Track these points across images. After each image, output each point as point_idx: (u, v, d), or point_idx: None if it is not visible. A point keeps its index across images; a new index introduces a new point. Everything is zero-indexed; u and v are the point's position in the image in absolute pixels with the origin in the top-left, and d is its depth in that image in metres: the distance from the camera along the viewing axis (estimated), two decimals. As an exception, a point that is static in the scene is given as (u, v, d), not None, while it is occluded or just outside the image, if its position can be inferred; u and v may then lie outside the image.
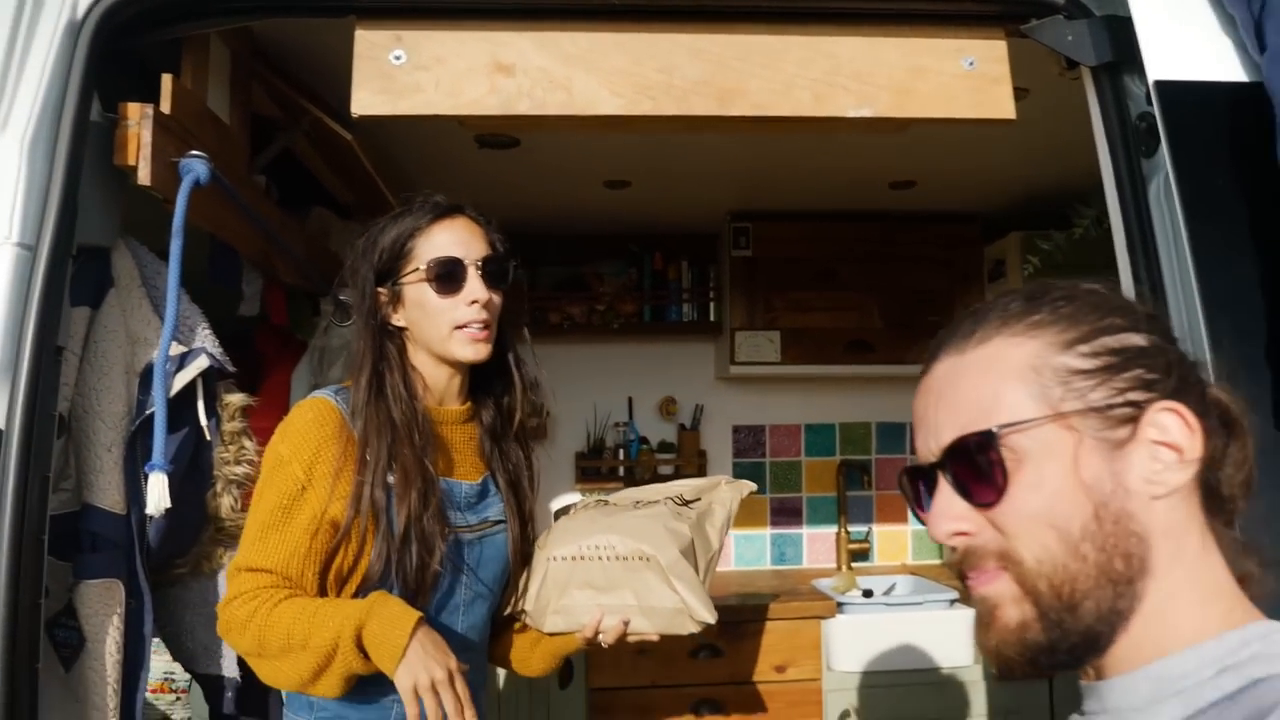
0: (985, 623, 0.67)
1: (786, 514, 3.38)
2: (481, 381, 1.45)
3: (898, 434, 3.43)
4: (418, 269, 1.34)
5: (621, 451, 3.25)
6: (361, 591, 1.27)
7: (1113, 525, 0.62)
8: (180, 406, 1.33)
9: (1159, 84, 1.19)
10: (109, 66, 1.30)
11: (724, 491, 1.56)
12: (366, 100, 1.38)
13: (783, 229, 3.04)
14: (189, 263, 1.39)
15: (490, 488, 1.43)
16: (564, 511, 1.57)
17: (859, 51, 1.40)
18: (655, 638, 1.41)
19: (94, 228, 1.32)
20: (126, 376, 1.33)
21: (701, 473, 3.30)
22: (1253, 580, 0.66)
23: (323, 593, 1.28)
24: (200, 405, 1.37)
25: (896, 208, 3.01)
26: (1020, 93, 1.98)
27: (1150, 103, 1.23)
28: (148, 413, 1.28)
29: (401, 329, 1.38)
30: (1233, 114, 1.18)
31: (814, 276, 3.04)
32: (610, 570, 1.40)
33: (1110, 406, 0.64)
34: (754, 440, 3.39)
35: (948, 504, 0.67)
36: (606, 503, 1.56)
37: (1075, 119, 1.46)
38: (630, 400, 3.33)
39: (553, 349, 3.28)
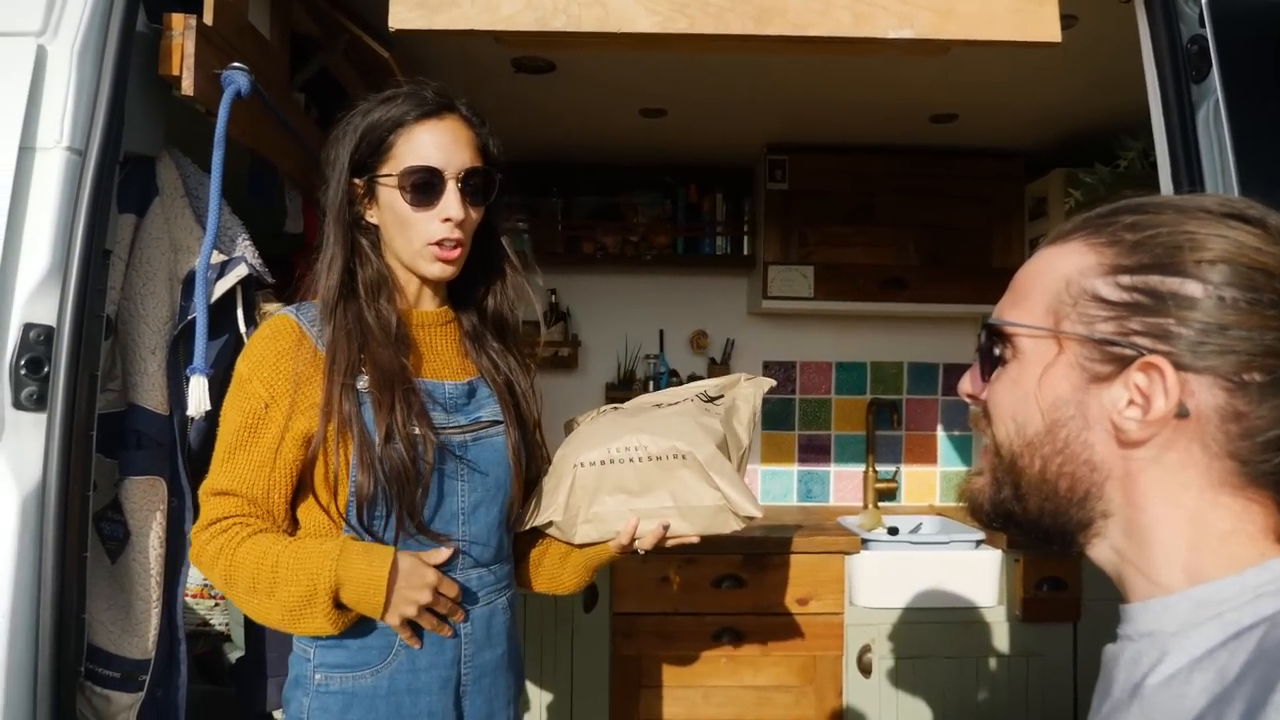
0: (968, 476, 0.77)
1: (815, 451, 3.40)
2: (463, 284, 1.37)
3: (929, 374, 3.42)
4: (393, 174, 1.25)
5: (651, 384, 3.27)
6: (354, 507, 1.22)
7: (1062, 445, 0.66)
8: (220, 313, 1.37)
9: (1213, 2, 1.16)
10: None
11: (746, 388, 1.50)
12: (403, 14, 1.38)
13: (820, 162, 3.00)
14: (230, 180, 1.41)
15: (480, 389, 1.35)
16: (572, 422, 1.51)
17: (901, -31, 1.37)
18: (696, 539, 1.35)
19: (140, 137, 1.35)
20: (170, 283, 1.36)
21: (731, 408, 3.31)
22: None
23: (321, 511, 1.25)
24: (240, 313, 1.40)
25: (937, 142, 2.96)
26: (1068, 20, 1.93)
27: (1203, 24, 1.20)
28: (190, 318, 1.31)
29: (374, 226, 1.31)
30: (1288, 36, 1.15)
31: (850, 211, 3.01)
32: (643, 471, 1.32)
33: (1109, 342, 0.64)
34: (784, 376, 3.39)
35: (974, 368, 0.75)
36: (620, 407, 1.49)
37: (1124, 49, 1.43)
38: (661, 333, 3.34)
39: (585, 279, 3.30)
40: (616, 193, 3.26)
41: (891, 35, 1.38)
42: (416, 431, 1.23)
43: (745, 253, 3.19)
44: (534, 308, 1.46)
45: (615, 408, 1.50)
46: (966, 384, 0.76)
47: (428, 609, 1.23)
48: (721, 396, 1.47)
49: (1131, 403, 0.63)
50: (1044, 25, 1.38)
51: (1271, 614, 0.58)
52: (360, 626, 1.24)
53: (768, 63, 2.26)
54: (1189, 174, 1.24)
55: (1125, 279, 0.64)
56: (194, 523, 1.35)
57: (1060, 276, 0.68)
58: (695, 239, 3.24)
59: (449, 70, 2.35)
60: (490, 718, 1.34)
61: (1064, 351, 0.66)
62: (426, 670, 1.26)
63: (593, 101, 2.62)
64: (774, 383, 1.54)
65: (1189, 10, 1.24)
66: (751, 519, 1.33)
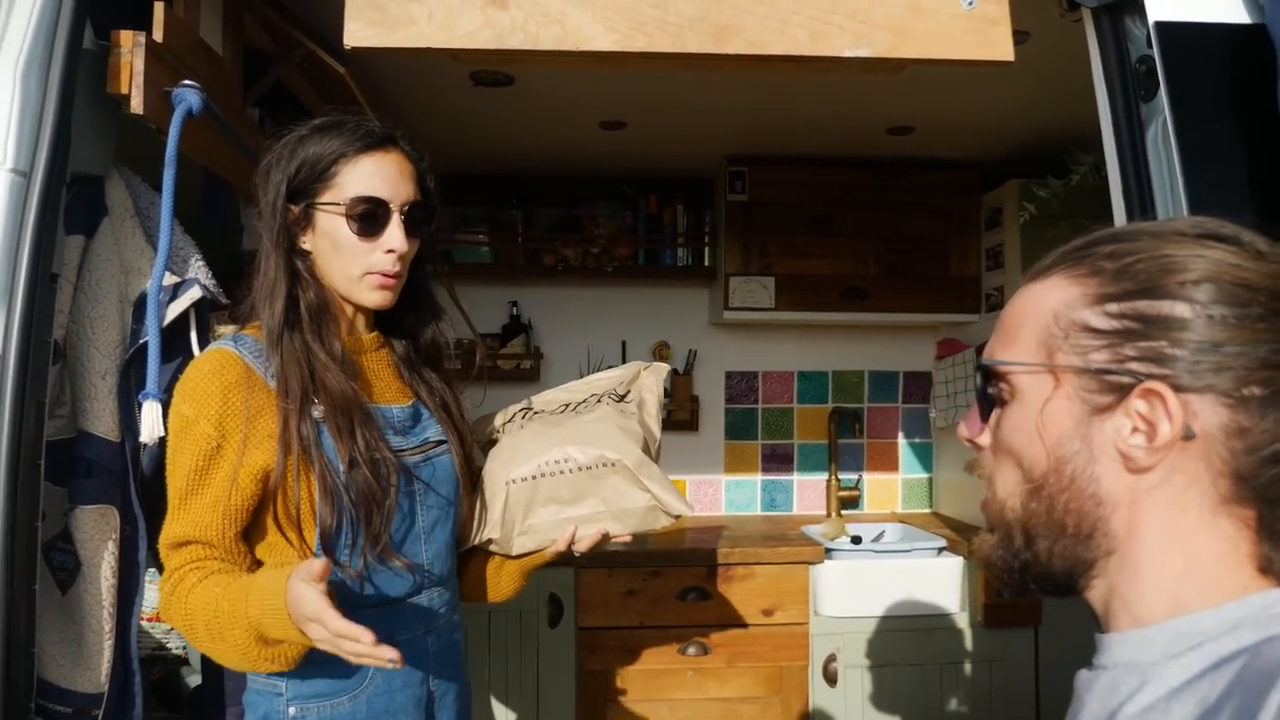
0: (980, 535, 0.75)
1: (778, 461, 3.42)
2: (390, 311, 1.36)
3: (890, 383, 3.45)
4: (338, 203, 1.24)
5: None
6: (322, 539, 1.20)
7: (1069, 482, 0.66)
8: (174, 336, 1.34)
9: (1159, 25, 1.18)
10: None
11: (647, 379, 1.53)
12: (359, 31, 1.36)
13: (779, 174, 3.02)
14: (184, 198, 1.39)
15: (422, 411, 1.37)
16: (484, 422, 1.52)
17: (858, -11, 1.38)
18: (628, 537, 1.41)
19: (87, 156, 1.31)
20: (120, 305, 1.33)
21: (694, 420, 3.32)
22: (1274, 571, 0.65)
23: (286, 546, 1.22)
24: (194, 335, 1.37)
25: (894, 154, 2.99)
26: (1021, 36, 1.96)
27: (1150, 45, 1.22)
28: (141, 341, 1.28)
29: (308, 253, 1.29)
30: (1234, 56, 1.17)
31: (810, 222, 3.03)
32: (574, 482, 1.38)
33: (1106, 371, 0.64)
34: (747, 386, 3.41)
35: (973, 411, 0.75)
36: (530, 408, 1.51)
37: (1076, 64, 1.45)
38: (624, 344, 3.34)
39: (547, 291, 3.30)
40: (577, 204, 3.25)
41: (848, 54, 1.39)
42: (378, 455, 1.23)
43: (706, 264, 3.20)
44: (464, 328, 1.48)
45: (527, 409, 1.52)
46: (964, 429, 0.75)
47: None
48: (629, 393, 1.50)
49: (1135, 430, 0.63)
50: (997, 45, 1.40)
51: (1252, 644, 0.59)
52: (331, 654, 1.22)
53: (726, 77, 2.27)
54: (1139, 190, 1.26)
55: (1113, 306, 0.65)
56: (147, 551, 1.32)
57: (1047, 311, 0.68)
58: (656, 250, 3.24)
59: (407, 84, 2.33)
60: None
61: (1061, 385, 0.66)
62: (401, 690, 1.28)
63: (552, 114, 2.61)
64: (669, 367, 1.58)
65: (1137, 31, 1.27)
66: (680, 516, 1.40)
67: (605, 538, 1.40)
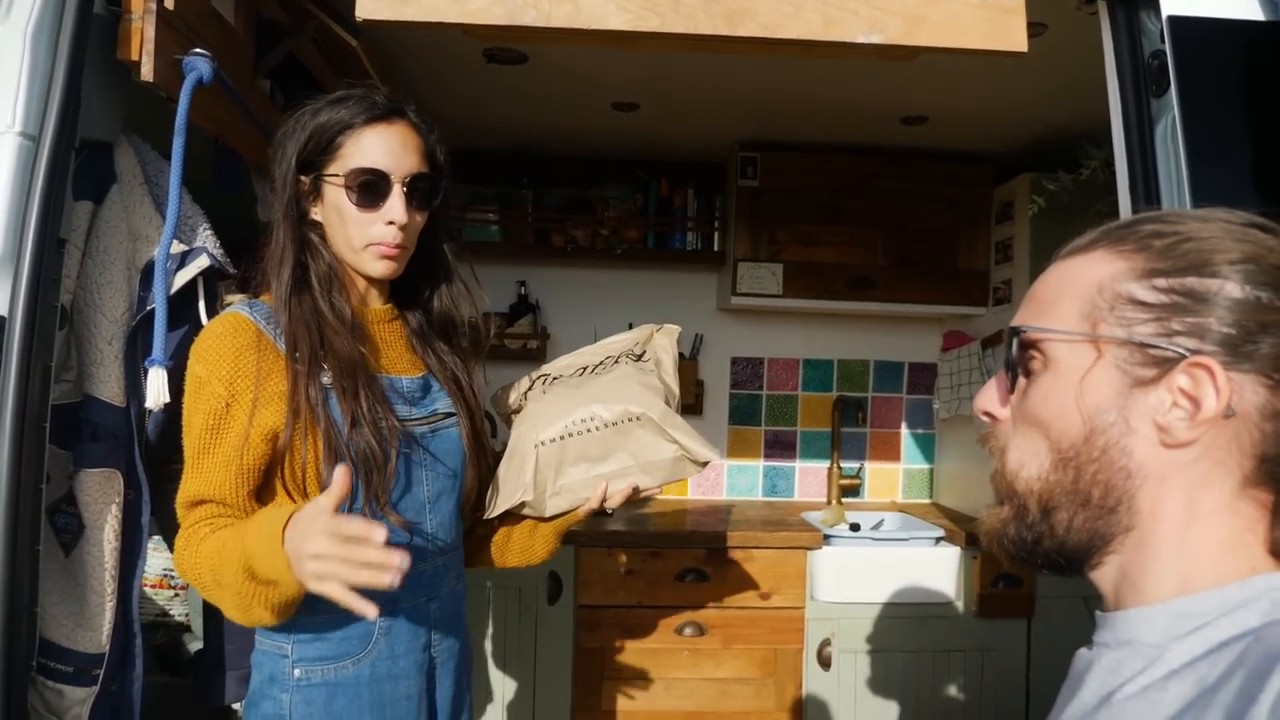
0: (985, 511, 0.75)
1: (780, 447, 3.42)
2: (406, 284, 1.39)
3: (895, 372, 3.45)
4: (340, 174, 1.26)
5: (619, 377, 3.27)
6: None
7: (1100, 453, 0.65)
8: (181, 304, 1.35)
9: (1172, 19, 1.18)
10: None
11: (661, 339, 1.55)
12: (370, 5, 1.36)
13: (791, 160, 3.01)
14: (196, 167, 1.39)
15: (432, 383, 1.39)
16: (503, 395, 1.54)
17: (872, -25, 1.38)
18: (659, 490, 1.43)
19: (97, 122, 1.32)
20: (128, 272, 1.34)
21: (699, 404, 3.33)
22: None
23: (301, 500, 1.22)
24: (201, 304, 1.38)
25: (907, 144, 2.98)
26: (1037, 28, 1.96)
27: (1163, 40, 1.22)
28: (148, 309, 1.29)
29: (319, 223, 1.31)
30: (1245, 53, 1.17)
31: (820, 210, 3.02)
32: (602, 439, 1.39)
33: (1150, 345, 0.63)
34: (752, 372, 3.41)
35: (995, 383, 0.74)
36: (548, 375, 1.53)
37: (1091, 57, 1.44)
38: (630, 326, 3.32)
39: (555, 271, 3.30)
40: (588, 185, 3.25)
41: (861, 40, 1.38)
42: (381, 419, 1.24)
43: (715, 249, 3.20)
44: (478, 307, 1.47)
45: (544, 375, 1.53)
46: (987, 401, 0.74)
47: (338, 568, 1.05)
48: (645, 353, 1.52)
49: (1175, 405, 0.63)
50: (1011, 35, 1.40)
51: (1255, 628, 0.59)
52: (340, 618, 1.24)
53: (740, 60, 2.26)
54: (1145, 186, 1.26)
55: (1161, 281, 0.64)
56: (150, 515, 1.34)
57: (1090, 283, 0.67)
58: (666, 234, 3.24)
59: (419, 59, 2.33)
60: (457, 697, 1.41)
61: (1103, 356, 0.65)
62: (405, 655, 1.31)
63: (565, 94, 2.61)
64: (679, 329, 1.59)
65: (1151, 25, 1.26)
66: (708, 463, 1.42)
67: (636, 492, 1.41)
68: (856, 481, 3.38)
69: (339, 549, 1.01)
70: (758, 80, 2.45)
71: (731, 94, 2.57)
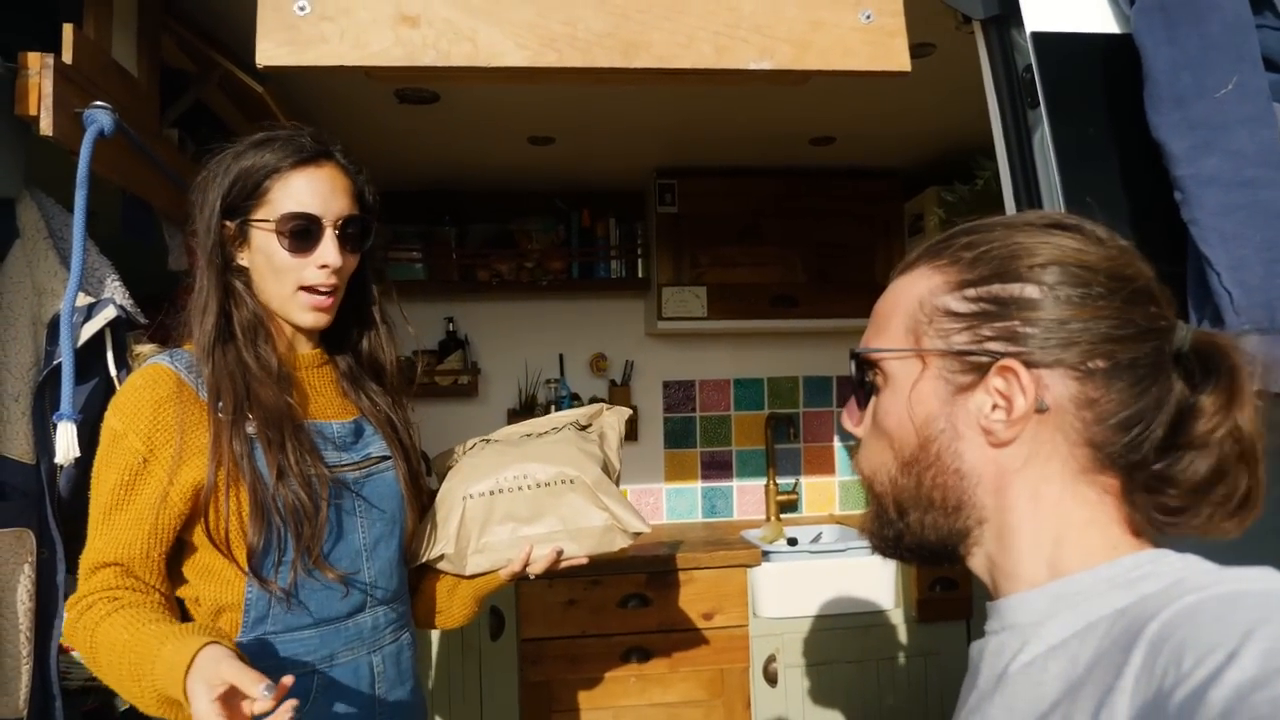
0: (863, 512, 0.80)
1: (717, 467, 3.46)
2: (335, 328, 1.36)
3: (824, 387, 3.52)
4: (270, 219, 1.24)
5: (554, 407, 3.28)
6: (250, 555, 1.17)
7: (935, 459, 0.70)
8: (89, 357, 1.34)
9: (1035, 35, 1.25)
10: (7, 15, 1.29)
11: (609, 417, 1.55)
12: (271, 51, 1.37)
13: (707, 185, 3.08)
14: (104, 219, 1.37)
15: (365, 426, 1.35)
16: (444, 456, 1.51)
17: (759, 4, 1.43)
18: (585, 561, 1.39)
19: (-5, 178, 1.31)
20: (33, 327, 1.33)
21: (634, 430, 3.36)
22: (1147, 533, 0.69)
23: (222, 563, 1.18)
24: (110, 356, 1.37)
25: (818, 164, 3.07)
26: (927, 48, 2.05)
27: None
28: (55, 363, 1.28)
29: (245, 269, 1.28)
30: (1105, 65, 1.25)
31: (739, 232, 3.09)
32: (533, 498, 1.36)
33: (966, 353, 0.68)
34: (684, 395, 3.45)
35: (852, 400, 0.79)
36: (492, 439, 1.50)
37: (978, 74, 1.51)
38: (561, 357, 3.36)
39: (483, 306, 3.31)
40: (510, 219, 3.27)
41: (753, 66, 1.44)
42: (310, 469, 1.22)
43: (640, 275, 3.25)
44: (407, 345, 1.46)
45: (489, 439, 1.51)
46: (845, 418, 0.80)
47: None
48: (591, 425, 1.52)
49: (995, 406, 0.67)
50: (894, 56, 1.46)
51: (1123, 606, 0.62)
52: (276, 674, 1.17)
53: (650, 91, 2.32)
54: (1028, 193, 1.33)
55: (970, 291, 0.69)
56: (64, 574, 1.31)
57: (913, 299, 0.72)
58: (590, 263, 3.27)
59: (330, 103, 2.34)
60: None
61: (928, 367, 0.70)
62: (345, 716, 1.25)
63: (480, 131, 2.64)
64: (630, 412, 1.59)
65: (1021, 41, 1.34)
66: (639, 534, 1.39)
67: (559, 558, 1.38)
68: (794, 497, 3.43)
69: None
70: (669, 109, 2.51)
71: (645, 124, 2.62)
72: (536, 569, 1.37)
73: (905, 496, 0.72)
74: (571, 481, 1.37)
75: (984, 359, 0.67)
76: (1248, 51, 1.08)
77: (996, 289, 0.68)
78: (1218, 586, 0.56)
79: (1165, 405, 0.66)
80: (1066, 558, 0.67)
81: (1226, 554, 0.63)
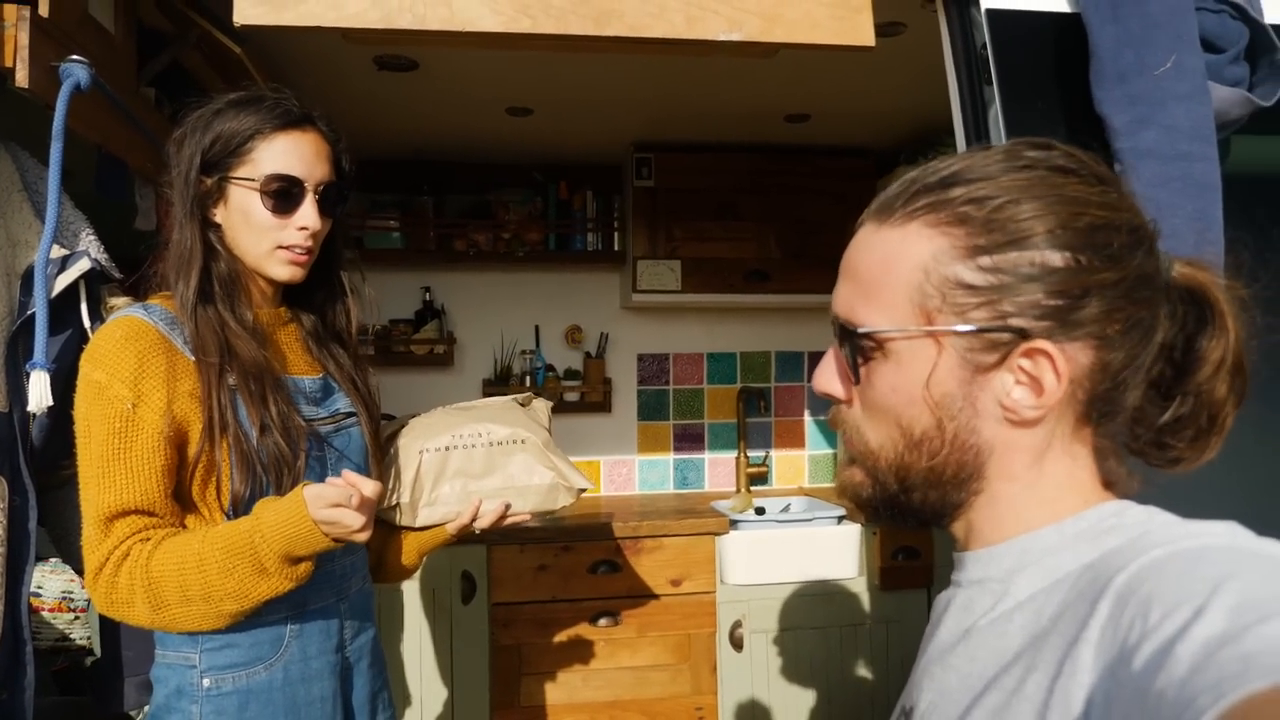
0: (841, 468, 0.75)
1: (689, 440, 3.52)
2: (299, 288, 1.39)
3: (795, 362, 3.58)
4: (252, 178, 1.26)
5: (528, 379, 3.32)
6: (234, 506, 1.22)
7: (951, 438, 0.66)
8: (63, 309, 1.36)
9: (990, 12, 1.29)
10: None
11: (538, 403, 1.64)
12: (248, 10, 1.39)
13: (684, 160, 3.11)
14: (82, 176, 1.39)
15: (332, 384, 1.40)
16: (387, 425, 1.56)
17: (729, -24, 1.47)
18: (528, 517, 1.46)
19: (-31, 131, 1.32)
20: (7, 279, 1.35)
21: (607, 401, 3.40)
22: (1119, 483, 0.68)
23: (201, 509, 1.24)
24: (84, 308, 1.39)
25: (792, 141, 3.10)
26: (896, 27, 2.09)
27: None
28: (29, 313, 1.30)
29: (218, 225, 1.30)
30: (1055, 43, 1.29)
31: (714, 207, 3.13)
32: (486, 455, 1.45)
33: (986, 330, 0.63)
34: (658, 368, 3.50)
35: (830, 363, 0.73)
36: (433, 412, 1.57)
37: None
38: (537, 328, 3.39)
39: (459, 276, 3.33)
40: (488, 190, 3.29)
41: (721, 37, 1.47)
42: (289, 421, 1.26)
43: (616, 248, 3.28)
44: (370, 311, 1.50)
45: (429, 413, 1.57)
46: (827, 383, 0.73)
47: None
48: (527, 404, 1.61)
49: (1019, 384, 0.63)
50: (859, 31, 1.50)
51: (1090, 560, 0.61)
52: (250, 623, 1.23)
53: (628, 63, 2.34)
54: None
55: (985, 260, 0.63)
56: (36, 521, 1.34)
57: (915, 266, 0.65)
58: (567, 235, 3.30)
59: (309, 68, 2.35)
60: (373, 698, 1.41)
61: (944, 349, 0.64)
62: (317, 657, 1.30)
63: (458, 100, 2.65)
64: (551, 404, 1.67)
65: (979, 18, 1.38)
66: (583, 491, 1.49)
67: (505, 514, 1.45)
68: (764, 469, 3.49)
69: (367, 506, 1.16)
70: (647, 84, 2.53)
71: (623, 97, 2.65)
72: (483, 523, 1.44)
73: (912, 473, 0.68)
74: (523, 442, 1.47)
75: (1007, 336, 0.62)
76: (1186, 32, 1.13)
77: (1014, 256, 0.62)
78: (1185, 540, 0.55)
79: (1152, 348, 0.65)
80: (1039, 514, 0.66)
81: (1185, 505, 0.64)
